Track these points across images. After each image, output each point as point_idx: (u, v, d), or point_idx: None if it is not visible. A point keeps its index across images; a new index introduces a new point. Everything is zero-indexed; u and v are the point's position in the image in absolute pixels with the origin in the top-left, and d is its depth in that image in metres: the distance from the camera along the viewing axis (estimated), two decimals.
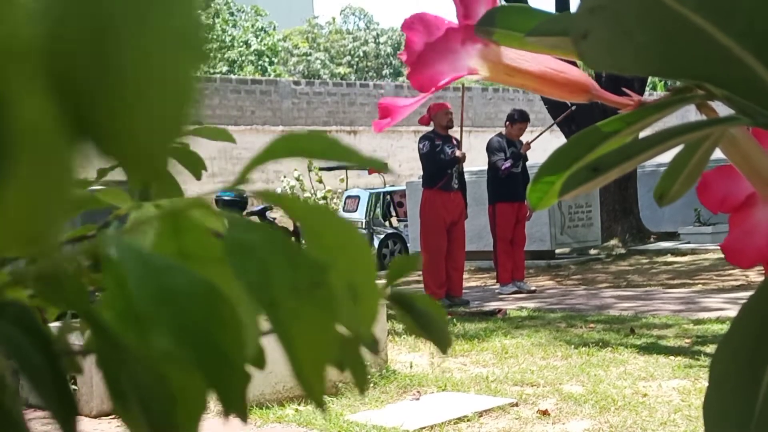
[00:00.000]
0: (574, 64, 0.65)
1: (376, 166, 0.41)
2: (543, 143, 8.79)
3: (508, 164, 8.81)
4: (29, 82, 0.24)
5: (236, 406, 0.35)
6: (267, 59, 44.03)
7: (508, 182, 8.83)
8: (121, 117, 0.26)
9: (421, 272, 8.63)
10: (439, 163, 8.25)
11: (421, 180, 8.73)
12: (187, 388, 0.35)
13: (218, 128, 0.65)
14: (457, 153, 8.25)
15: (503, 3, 0.65)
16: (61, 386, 0.35)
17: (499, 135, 9.10)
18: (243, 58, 42.86)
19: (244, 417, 0.35)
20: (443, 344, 0.50)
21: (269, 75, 41.84)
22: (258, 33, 44.08)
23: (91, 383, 4.40)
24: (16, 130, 0.24)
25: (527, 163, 9.06)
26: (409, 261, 0.51)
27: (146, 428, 0.34)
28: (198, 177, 0.64)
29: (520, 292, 9.13)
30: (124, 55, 0.25)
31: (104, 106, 0.25)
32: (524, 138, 9.11)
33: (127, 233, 0.39)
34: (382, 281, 0.53)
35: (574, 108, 9.52)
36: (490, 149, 9.00)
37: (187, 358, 0.33)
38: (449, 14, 0.73)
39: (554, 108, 13.22)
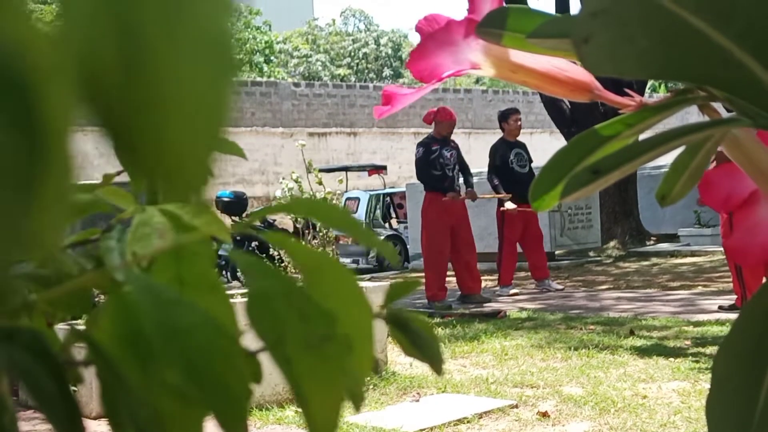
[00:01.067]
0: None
1: (388, 254, 0.41)
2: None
3: (497, 183, 8.89)
4: (57, 81, 0.24)
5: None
6: (263, 57, 43.98)
7: (516, 184, 8.82)
8: (155, 132, 0.26)
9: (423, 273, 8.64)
10: (430, 170, 8.24)
11: (420, 182, 8.75)
12: (184, 415, 0.35)
13: (230, 141, 0.64)
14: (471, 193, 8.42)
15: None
16: (72, 413, 0.36)
17: (501, 140, 9.11)
18: (242, 57, 42.76)
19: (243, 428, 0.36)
20: (436, 364, 0.50)
21: (267, 74, 41.80)
22: (253, 32, 44.06)
23: (90, 385, 4.39)
24: (47, 131, 0.24)
25: (533, 164, 9.07)
26: (407, 285, 0.51)
27: None
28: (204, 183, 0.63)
29: (520, 294, 9.14)
30: (155, 65, 0.25)
31: (136, 119, 0.25)
32: (523, 137, 9.15)
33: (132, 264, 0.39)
34: (381, 283, 0.53)
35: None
36: (490, 155, 9.06)
37: (193, 393, 0.34)
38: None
39: (553, 110, 13.23)
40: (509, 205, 8.88)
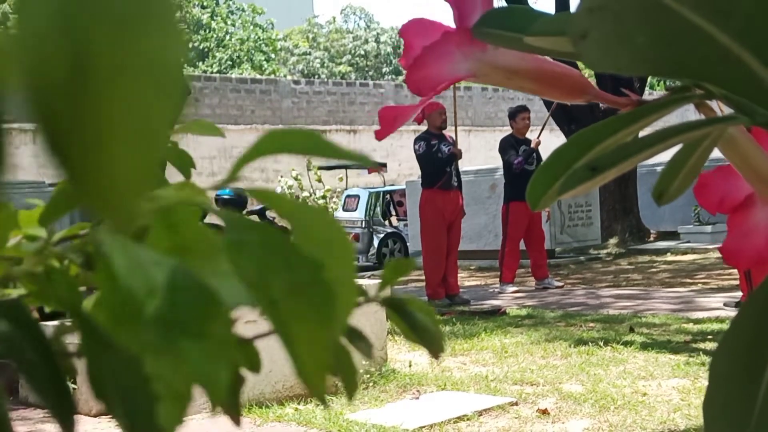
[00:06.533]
0: (573, 65, 0.65)
1: (366, 163, 0.41)
2: (543, 142, 8.81)
3: (520, 158, 8.87)
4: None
5: (224, 400, 0.35)
6: (263, 56, 43.92)
7: (523, 181, 8.81)
8: (93, 156, 0.26)
9: (422, 272, 8.63)
10: (436, 162, 8.26)
11: (420, 179, 8.76)
12: (172, 387, 0.34)
13: (206, 122, 0.63)
14: (454, 149, 8.30)
15: (503, 4, 0.64)
16: (57, 381, 0.35)
17: (510, 135, 9.14)
18: (241, 55, 42.81)
19: (236, 414, 0.35)
20: (435, 349, 0.50)
21: (266, 72, 41.78)
22: (255, 30, 44.01)
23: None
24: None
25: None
26: (404, 264, 0.50)
27: (129, 427, 0.34)
28: (187, 176, 0.62)
29: (520, 291, 9.14)
30: (101, 89, 0.25)
31: (79, 142, 0.25)
32: (530, 135, 9.16)
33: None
34: (378, 280, 0.53)
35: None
36: (501, 148, 9.08)
37: (171, 352, 0.33)
38: (449, 17, 0.73)
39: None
40: None
